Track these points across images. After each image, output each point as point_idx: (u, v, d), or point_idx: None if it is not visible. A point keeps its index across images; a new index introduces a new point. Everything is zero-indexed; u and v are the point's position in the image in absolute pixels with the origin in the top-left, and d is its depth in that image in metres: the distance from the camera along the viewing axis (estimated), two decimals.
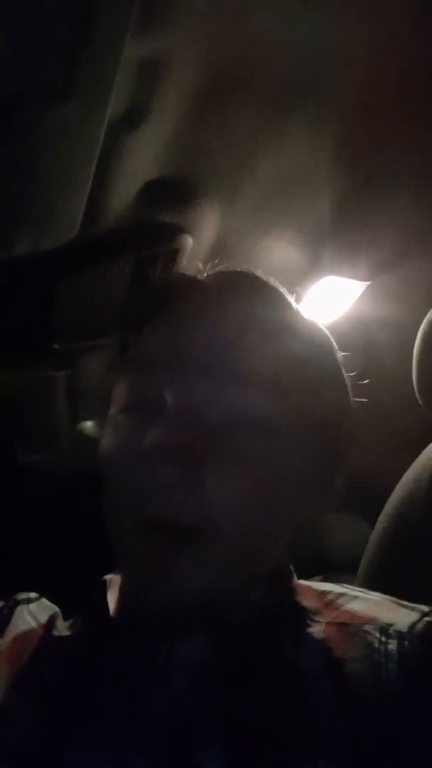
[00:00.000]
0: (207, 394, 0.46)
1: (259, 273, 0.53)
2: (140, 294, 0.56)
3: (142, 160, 0.65)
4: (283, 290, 0.52)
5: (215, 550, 0.45)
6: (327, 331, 0.54)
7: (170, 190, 0.72)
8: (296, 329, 0.51)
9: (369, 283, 0.98)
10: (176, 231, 0.76)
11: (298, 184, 0.80)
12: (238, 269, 0.54)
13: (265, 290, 0.52)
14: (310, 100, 0.67)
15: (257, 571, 0.49)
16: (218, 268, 0.54)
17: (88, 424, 1.09)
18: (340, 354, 0.54)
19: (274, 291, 0.52)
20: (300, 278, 0.95)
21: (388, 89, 0.67)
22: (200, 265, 0.54)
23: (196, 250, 0.82)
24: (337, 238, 0.91)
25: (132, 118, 0.57)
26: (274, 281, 0.53)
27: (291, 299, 0.52)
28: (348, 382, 0.53)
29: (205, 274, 0.53)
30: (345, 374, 0.53)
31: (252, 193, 0.80)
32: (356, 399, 0.54)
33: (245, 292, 0.51)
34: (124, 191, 0.68)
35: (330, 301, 0.99)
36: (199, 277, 0.53)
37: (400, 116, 0.72)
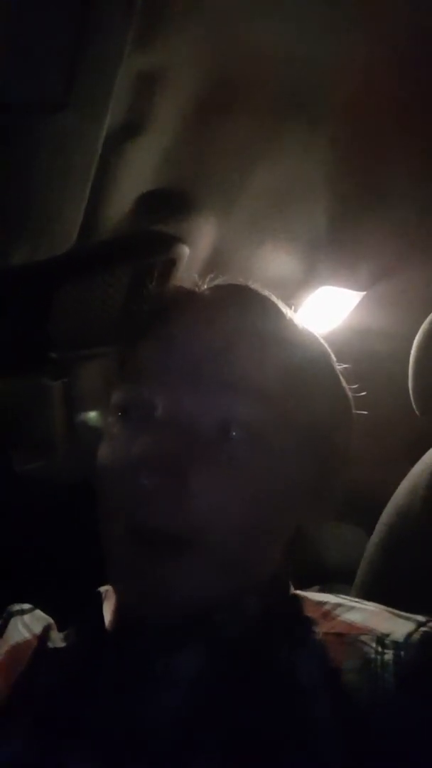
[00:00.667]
0: (196, 403, 0.46)
1: (254, 286, 0.53)
2: (137, 306, 0.56)
3: (140, 172, 0.65)
4: (278, 302, 0.52)
5: (203, 560, 0.45)
6: (324, 342, 0.54)
7: (167, 200, 0.72)
8: (290, 340, 0.51)
9: (365, 292, 0.98)
10: (173, 241, 0.76)
11: (294, 194, 0.81)
12: (234, 282, 0.54)
13: (258, 302, 0.52)
14: (306, 111, 0.68)
15: (251, 582, 0.49)
16: (216, 281, 0.54)
17: (91, 414, 1.09)
18: (338, 365, 0.54)
19: (268, 302, 0.52)
20: (296, 288, 0.96)
21: (385, 100, 0.68)
22: (197, 278, 0.54)
23: (193, 260, 0.82)
24: (334, 247, 0.91)
25: (129, 130, 0.58)
26: (269, 294, 0.53)
27: (287, 310, 0.52)
28: (347, 393, 0.53)
29: (203, 287, 0.53)
30: (343, 385, 0.53)
31: (249, 204, 0.80)
32: (356, 411, 0.53)
33: (239, 304, 0.51)
34: (121, 202, 0.68)
35: (326, 310, 1.00)
36: (196, 289, 0.53)
37: (397, 127, 0.72)
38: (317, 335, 0.54)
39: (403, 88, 0.66)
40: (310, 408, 0.50)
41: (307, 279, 0.95)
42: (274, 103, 0.66)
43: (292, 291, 0.95)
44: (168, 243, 0.76)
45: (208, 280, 0.54)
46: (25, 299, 0.77)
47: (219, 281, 0.54)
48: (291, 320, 0.52)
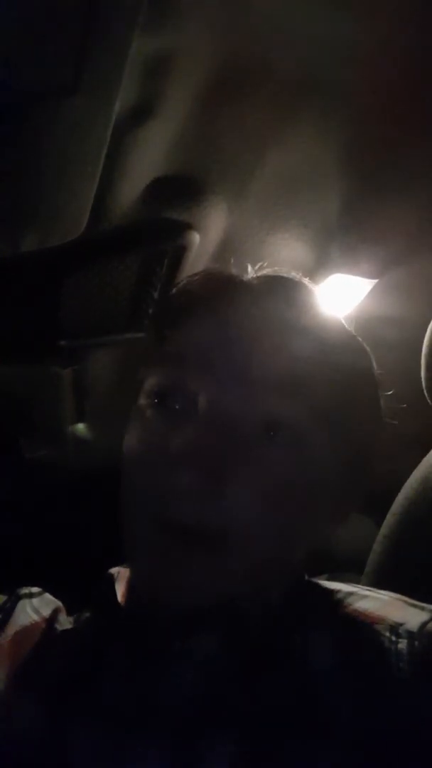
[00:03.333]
0: (242, 400, 0.45)
1: (307, 282, 0.52)
2: (180, 287, 0.54)
3: (150, 157, 0.64)
4: (327, 301, 0.51)
5: (233, 557, 0.44)
6: (365, 345, 0.53)
7: (177, 187, 0.72)
8: (338, 345, 0.50)
9: (377, 280, 0.98)
10: (183, 228, 0.76)
11: (305, 180, 0.80)
12: (285, 274, 0.53)
13: (309, 298, 0.51)
14: (318, 96, 0.67)
15: (274, 578, 0.49)
16: (264, 271, 0.53)
17: (80, 426, 1.09)
18: (376, 369, 0.53)
19: (318, 299, 0.51)
20: (307, 275, 0.94)
21: (399, 83, 0.67)
22: (249, 267, 0.53)
23: (203, 247, 0.81)
24: (345, 235, 0.90)
25: (139, 115, 0.57)
26: (320, 291, 0.51)
27: (335, 312, 0.51)
28: (381, 398, 0.52)
29: (252, 275, 0.52)
30: (378, 387, 0.52)
31: (259, 190, 0.79)
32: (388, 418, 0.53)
33: (292, 302, 0.50)
34: (131, 188, 0.68)
35: (338, 298, 0.99)
36: (244, 277, 0.52)
37: (411, 111, 0.71)
38: (359, 339, 0.53)
39: (417, 71, 0.65)
40: (352, 413, 0.49)
41: (319, 266, 0.94)
42: (285, 87, 0.65)
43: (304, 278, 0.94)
44: (178, 230, 0.75)
45: (257, 268, 0.53)
46: (35, 286, 0.77)
47: (267, 271, 0.53)
48: (340, 322, 0.51)
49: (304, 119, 0.70)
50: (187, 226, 0.76)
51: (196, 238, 0.78)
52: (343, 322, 0.52)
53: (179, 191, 0.72)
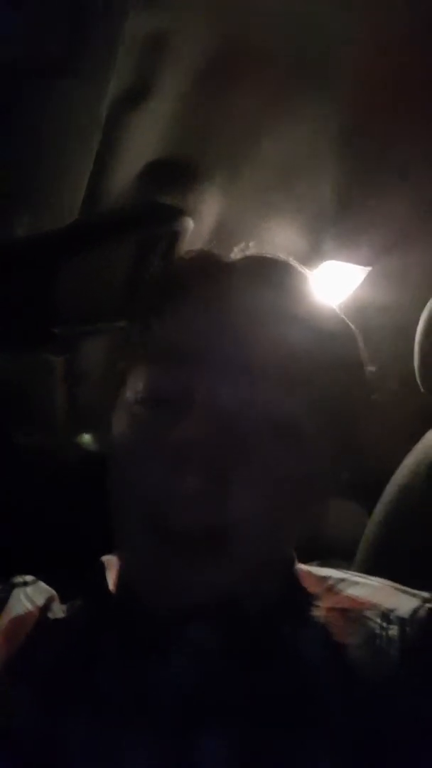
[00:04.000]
0: (240, 394, 0.43)
1: (295, 263, 0.50)
2: (165, 271, 0.52)
3: (144, 141, 0.64)
4: (317, 285, 0.49)
5: (236, 556, 0.43)
6: (354, 329, 0.51)
7: (171, 171, 0.71)
8: (335, 330, 0.49)
9: (371, 268, 0.97)
10: (177, 213, 0.75)
11: (300, 166, 0.79)
12: (271, 255, 0.51)
13: (303, 284, 0.49)
14: (314, 81, 0.66)
15: (270, 570, 0.49)
16: (248, 252, 0.51)
17: (86, 437, 1.09)
18: (365, 357, 0.51)
19: (311, 287, 0.49)
20: (301, 262, 0.94)
21: (394, 72, 0.66)
22: (235, 249, 0.50)
23: (197, 232, 0.81)
24: (339, 222, 0.90)
25: (134, 97, 0.56)
26: (309, 273, 0.50)
27: (325, 297, 0.49)
28: (368, 380, 0.51)
29: (234, 257, 0.50)
30: (366, 372, 0.51)
31: (254, 176, 0.79)
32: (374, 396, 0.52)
33: (283, 287, 0.48)
34: (125, 172, 0.67)
35: (331, 285, 0.98)
36: (228, 259, 0.50)
37: (407, 99, 0.70)
38: (350, 326, 0.51)
39: (414, 57, 0.65)
40: (344, 398, 0.48)
41: (313, 253, 0.94)
42: (281, 71, 0.64)
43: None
44: (173, 215, 0.74)
45: (239, 249, 0.50)
46: (28, 272, 0.76)
47: (254, 252, 0.51)
48: (333, 309, 0.50)
49: (300, 105, 0.69)
50: (181, 212, 0.76)
51: (190, 223, 0.77)
52: (335, 307, 0.50)
53: (173, 176, 0.71)
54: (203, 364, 0.44)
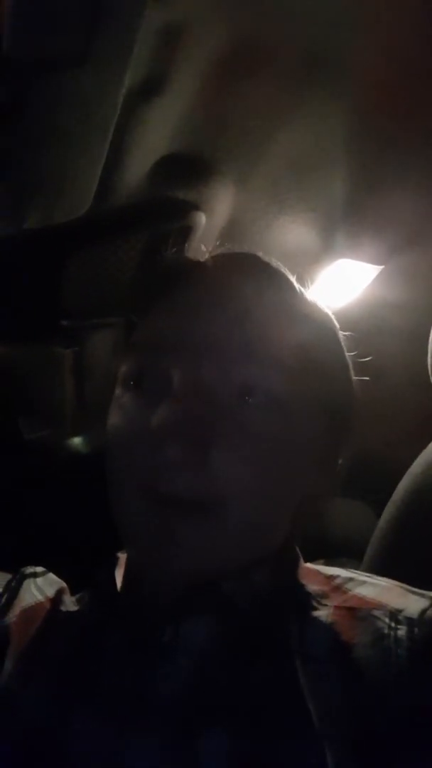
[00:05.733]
0: (214, 371, 0.47)
1: (261, 255, 0.54)
2: (145, 276, 0.57)
3: (158, 134, 0.63)
4: (285, 271, 0.53)
5: (221, 524, 0.46)
6: (329, 311, 0.55)
7: (184, 165, 0.71)
8: (299, 308, 0.52)
9: (383, 266, 0.97)
10: (189, 208, 0.75)
11: (314, 163, 0.79)
12: (241, 251, 0.56)
13: (267, 271, 0.53)
14: (328, 75, 0.66)
15: (261, 551, 0.49)
16: (221, 250, 0.55)
17: (77, 440, 1.10)
18: (342, 333, 0.55)
19: (277, 272, 0.53)
20: (314, 260, 0.94)
21: (408, 66, 0.66)
22: (204, 248, 0.55)
23: (209, 228, 0.81)
24: (352, 220, 0.90)
25: (149, 89, 0.56)
26: (276, 262, 0.54)
27: (293, 280, 0.53)
28: (350, 362, 0.55)
29: (208, 256, 0.54)
30: (347, 353, 0.54)
31: (267, 172, 0.78)
32: (360, 378, 0.55)
33: (248, 273, 0.52)
34: (138, 165, 0.67)
35: (343, 283, 0.98)
36: (202, 259, 0.54)
37: (420, 95, 0.70)
38: (321, 304, 0.55)
39: (426, 55, 0.64)
40: (321, 376, 0.51)
41: (325, 251, 0.93)
42: (295, 66, 0.64)
43: (310, 263, 0.93)
44: (185, 210, 0.74)
45: (213, 249, 0.55)
46: (39, 264, 0.76)
47: (225, 250, 0.55)
48: (298, 288, 0.53)
49: (313, 101, 0.68)
50: (194, 207, 0.75)
51: (202, 218, 0.77)
52: (302, 290, 0.54)
53: (186, 170, 0.71)
54: (178, 351, 0.48)
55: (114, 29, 0.41)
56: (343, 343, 0.55)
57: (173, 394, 0.47)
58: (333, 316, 0.55)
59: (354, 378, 0.55)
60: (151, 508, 0.45)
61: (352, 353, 0.55)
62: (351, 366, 0.55)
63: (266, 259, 0.54)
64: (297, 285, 0.53)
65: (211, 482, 0.45)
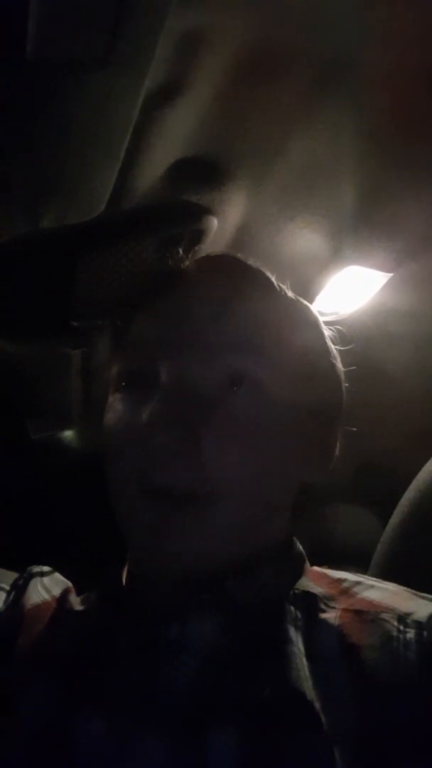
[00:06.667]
0: (199, 364, 0.49)
1: (240, 255, 0.58)
2: (130, 285, 0.60)
3: (174, 137, 0.64)
4: (264, 269, 0.56)
5: (215, 513, 0.47)
6: (309, 305, 0.59)
7: (199, 169, 0.71)
8: (278, 301, 0.55)
9: (392, 274, 0.97)
10: (202, 212, 0.75)
11: (326, 169, 0.79)
12: (222, 252, 0.60)
13: (246, 270, 0.56)
14: (342, 85, 0.66)
15: (261, 545, 0.50)
16: (202, 255, 0.59)
17: (84, 440, 1.10)
18: (325, 327, 0.58)
19: (255, 270, 0.56)
20: (323, 267, 0.94)
21: (421, 76, 0.66)
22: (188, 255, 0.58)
23: (221, 232, 0.81)
24: (362, 227, 0.90)
25: (167, 93, 0.56)
26: (254, 262, 0.57)
27: (272, 277, 0.56)
28: (335, 353, 0.57)
29: (190, 262, 0.58)
30: (330, 345, 0.57)
31: (279, 178, 0.79)
32: (346, 368, 0.58)
33: (228, 273, 0.55)
34: (153, 168, 0.67)
35: (352, 291, 0.98)
36: (182, 266, 0.57)
37: (431, 105, 0.70)
38: (302, 300, 0.58)
39: None
40: (303, 365, 0.53)
41: (334, 258, 0.93)
42: (312, 74, 0.64)
43: (319, 269, 0.94)
44: (197, 213, 0.74)
45: (195, 255, 0.59)
46: (50, 264, 0.76)
47: (205, 254, 0.59)
48: (276, 284, 0.56)
49: (327, 108, 0.69)
50: (207, 210, 0.76)
51: (214, 222, 0.77)
52: (282, 286, 0.56)
53: (201, 174, 0.71)
54: (163, 350, 0.50)
55: (137, 32, 0.42)
56: (324, 331, 0.57)
57: (161, 390, 0.48)
58: (311, 307, 0.58)
59: (339, 366, 0.57)
60: (145, 501, 0.47)
61: (346, 348, 0.58)
62: (334, 353, 0.57)
63: (245, 259, 0.56)
64: (275, 281, 0.55)
65: (202, 471, 0.46)
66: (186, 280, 0.55)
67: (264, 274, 0.56)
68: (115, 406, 0.52)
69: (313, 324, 0.57)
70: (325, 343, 0.57)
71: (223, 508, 0.47)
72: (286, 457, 0.51)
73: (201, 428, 0.47)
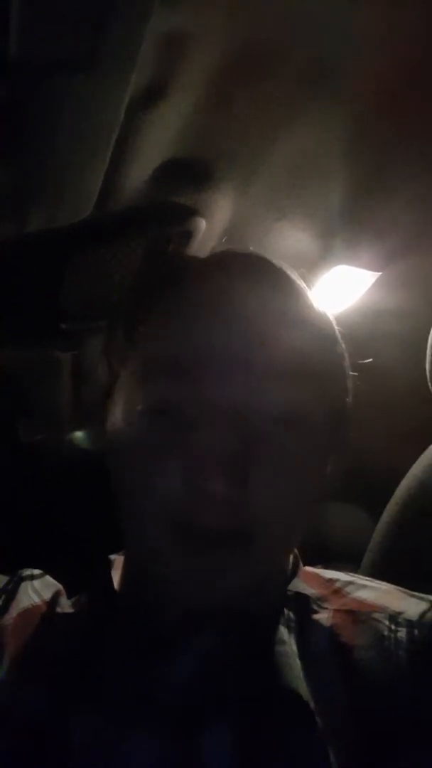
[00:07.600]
0: (245, 395, 0.43)
1: (270, 257, 0.51)
2: (147, 276, 0.54)
3: (160, 138, 0.64)
4: (294, 275, 0.51)
5: (261, 550, 0.44)
6: (331, 316, 0.53)
7: (185, 171, 0.71)
8: (314, 319, 0.50)
9: (380, 273, 0.97)
10: (190, 213, 0.75)
11: (313, 169, 0.79)
12: (250, 252, 0.52)
13: (278, 276, 0.50)
14: (328, 85, 0.66)
15: (283, 564, 0.49)
16: (225, 249, 0.52)
17: (79, 435, 1.09)
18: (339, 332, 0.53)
19: (288, 277, 0.50)
20: (311, 266, 0.94)
21: (409, 73, 0.66)
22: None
23: (209, 233, 0.81)
24: (350, 226, 0.90)
25: (152, 95, 0.56)
26: (284, 265, 0.51)
27: (303, 285, 0.51)
28: (349, 369, 0.53)
29: (211, 255, 0.52)
30: (347, 360, 0.53)
31: (266, 179, 0.79)
32: (357, 384, 0.54)
33: (260, 279, 0.48)
34: (140, 169, 0.67)
35: (341, 290, 0.98)
36: (207, 258, 0.52)
37: (419, 103, 0.70)
38: (324, 309, 0.53)
39: (426, 62, 0.65)
40: (335, 386, 0.50)
41: (323, 257, 0.94)
42: (297, 76, 0.64)
43: (307, 269, 0.93)
44: (185, 215, 0.74)
45: (215, 247, 0.51)
46: (39, 267, 0.76)
47: (228, 249, 0.52)
48: (308, 294, 0.51)
49: (314, 108, 0.69)
50: (194, 212, 0.76)
51: (202, 223, 0.77)
52: (311, 297, 0.51)
53: (187, 176, 0.71)
54: (207, 374, 0.44)
55: (121, 33, 0.42)
56: (343, 346, 0.53)
57: (208, 422, 0.43)
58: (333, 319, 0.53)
59: (350, 380, 0.53)
60: (185, 541, 0.43)
61: (349, 356, 0.53)
62: (349, 371, 0.53)
63: (275, 262, 0.51)
64: (306, 290, 0.50)
65: (249, 513, 0.43)
66: (212, 280, 0.48)
67: (297, 284, 0.50)
68: (143, 431, 0.45)
69: (336, 340, 0.52)
70: (345, 359, 0.52)
71: (261, 544, 0.44)
72: (320, 485, 0.49)
73: (251, 469, 0.42)
